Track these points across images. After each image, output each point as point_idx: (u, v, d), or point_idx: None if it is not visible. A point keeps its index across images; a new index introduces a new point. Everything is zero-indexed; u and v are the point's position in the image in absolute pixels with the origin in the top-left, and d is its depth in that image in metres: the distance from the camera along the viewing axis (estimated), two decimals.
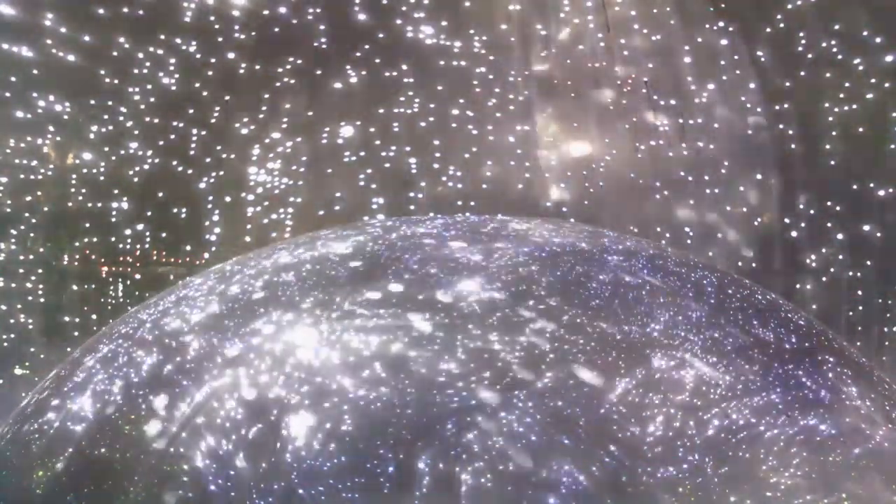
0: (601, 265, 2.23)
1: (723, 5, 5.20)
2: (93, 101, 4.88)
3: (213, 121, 5.08)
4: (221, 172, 5.11)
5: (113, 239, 5.02)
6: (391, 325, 1.93)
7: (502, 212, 3.59)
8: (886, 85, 4.94)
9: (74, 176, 4.93)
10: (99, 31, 4.78)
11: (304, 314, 2.02)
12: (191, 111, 5.05)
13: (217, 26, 4.97)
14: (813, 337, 2.28)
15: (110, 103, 4.90)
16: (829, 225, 5.12)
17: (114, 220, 4.99)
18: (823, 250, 5.15)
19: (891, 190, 4.98)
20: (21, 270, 4.83)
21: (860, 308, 5.08)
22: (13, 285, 4.81)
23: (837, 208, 5.10)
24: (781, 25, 5.12)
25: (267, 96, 5.10)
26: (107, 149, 4.94)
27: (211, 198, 5.10)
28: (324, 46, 5.10)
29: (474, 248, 2.21)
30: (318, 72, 5.13)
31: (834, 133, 5.08)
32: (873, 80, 4.97)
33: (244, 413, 1.84)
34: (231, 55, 5.01)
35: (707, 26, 5.20)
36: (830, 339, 2.35)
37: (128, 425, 1.96)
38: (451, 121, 5.19)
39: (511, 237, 2.33)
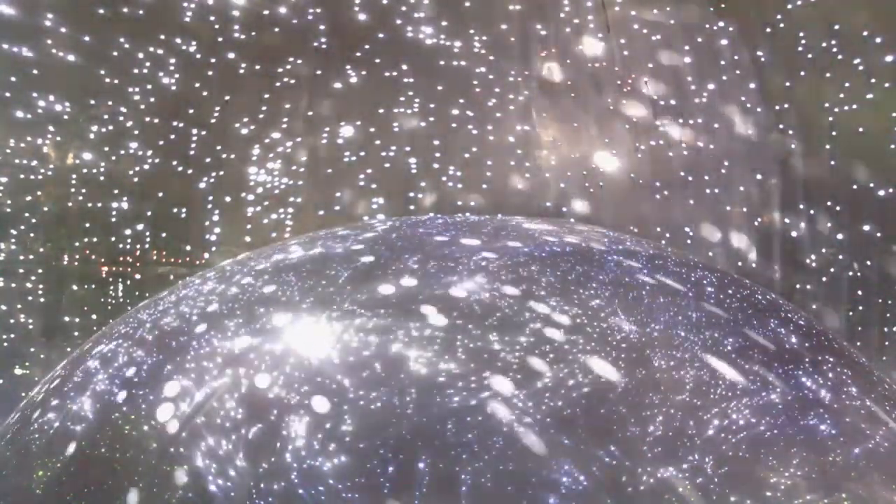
0: (601, 265, 2.23)
1: (723, 5, 5.20)
2: (93, 101, 4.88)
3: (213, 121, 5.08)
4: (221, 172, 5.11)
5: (113, 239, 5.02)
6: (391, 325, 1.93)
7: (502, 212, 3.59)
8: (886, 85, 4.94)
9: (74, 176, 4.93)
10: (99, 31, 4.78)
11: (304, 314, 2.02)
12: (191, 111, 5.05)
13: (217, 26, 4.98)
14: (813, 337, 2.28)
15: (110, 103, 4.90)
16: (829, 225, 5.12)
17: (114, 220, 4.99)
18: (823, 250, 5.15)
19: (891, 190, 4.99)
20: (21, 270, 4.83)
21: (860, 308, 5.09)
22: (13, 285, 4.82)
23: (837, 208, 5.10)
24: (781, 25, 5.13)
25: (267, 96, 5.10)
26: (107, 149, 4.94)
27: (211, 198, 5.11)
28: (324, 46, 5.11)
29: (475, 248, 2.21)
30: (318, 72, 5.13)
31: (834, 133, 5.08)
32: (873, 80, 4.97)
33: (244, 413, 1.84)
34: (231, 55, 5.01)
35: (707, 26, 5.20)
36: (830, 339, 2.35)
37: (128, 425, 1.96)
38: (451, 121, 5.19)
39: (511, 237, 2.33)
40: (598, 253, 2.32)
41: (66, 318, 4.90)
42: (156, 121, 4.98)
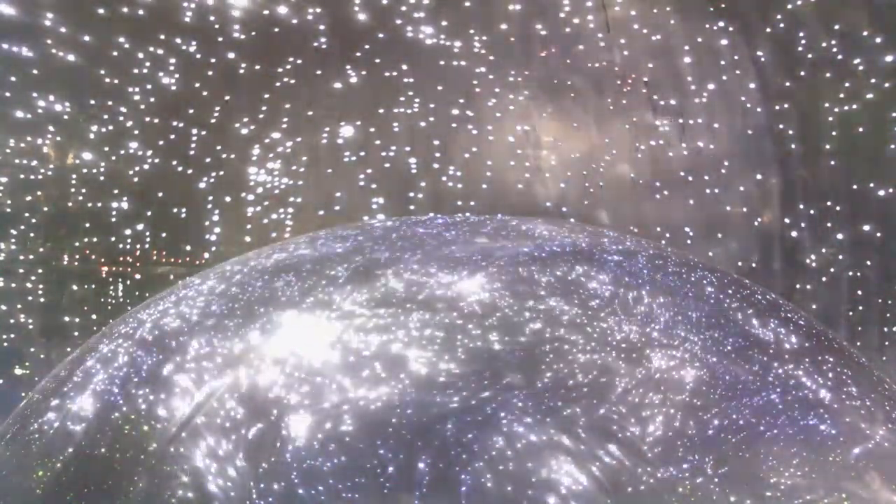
0: (601, 265, 2.23)
1: (723, 5, 5.20)
2: (93, 101, 4.88)
3: (213, 121, 5.08)
4: (221, 172, 5.11)
5: (113, 239, 5.01)
6: (391, 325, 1.93)
7: (502, 212, 3.59)
8: (886, 85, 4.94)
9: (74, 176, 4.92)
10: (99, 31, 4.78)
11: (303, 314, 2.02)
12: (191, 111, 5.05)
13: (217, 26, 4.98)
14: (813, 337, 2.28)
15: (110, 103, 4.89)
16: (829, 225, 5.12)
17: (114, 220, 4.99)
18: (823, 250, 5.15)
19: (891, 190, 4.98)
20: (21, 270, 4.83)
21: (860, 308, 5.09)
22: (13, 285, 4.81)
23: (837, 208, 5.10)
24: (781, 25, 5.12)
25: (267, 96, 5.10)
26: (107, 149, 4.94)
27: (211, 198, 5.10)
28: (324, 46, 5.11)
29: (474, 248, 2.21)
30: (318, 72, 5.13)
31: (834, 133, 5.08)
32: (873, 80, 4.97)
33: (244, 413, 1.84)
34: (231, 55, 5.01)
35: (707, 26, 5.20)
36: (830, 339, 2.35)
37: (128, 425, 1.96)
38: (451, 121, 5.20)
39: (511, 237, 2.33)
40: (598, 253, 2.32)
41: (66, 318, 4.90)
42: (156, 121, 4.98)
